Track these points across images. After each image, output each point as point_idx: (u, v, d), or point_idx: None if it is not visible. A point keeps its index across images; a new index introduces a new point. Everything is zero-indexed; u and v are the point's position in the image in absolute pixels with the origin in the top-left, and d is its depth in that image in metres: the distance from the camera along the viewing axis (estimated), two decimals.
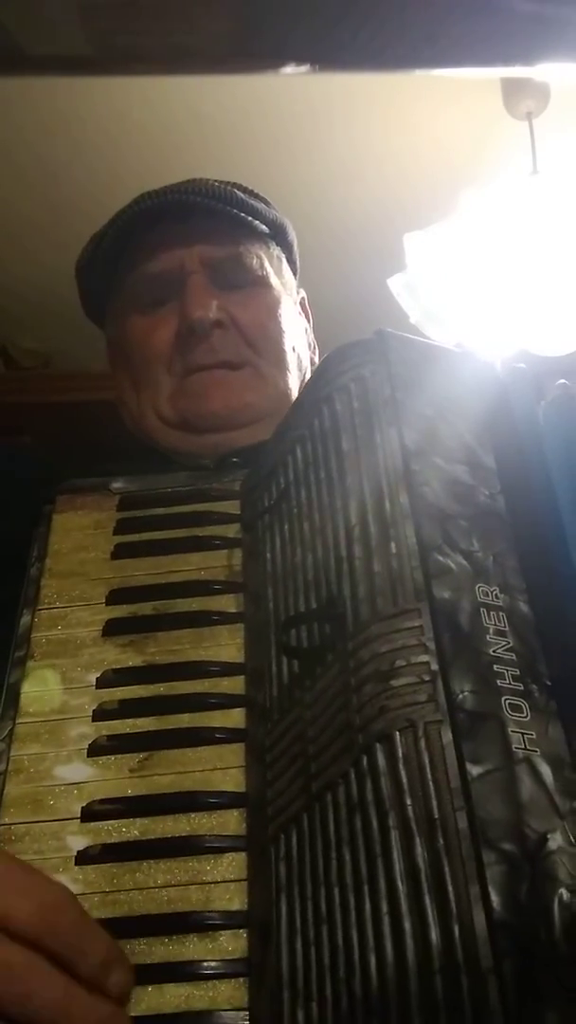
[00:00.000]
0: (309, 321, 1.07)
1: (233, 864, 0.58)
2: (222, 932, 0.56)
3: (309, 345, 1.05)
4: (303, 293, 1.08)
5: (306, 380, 1.00)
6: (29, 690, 0.68)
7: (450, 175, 2.06)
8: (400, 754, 0.48)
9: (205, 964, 0.55)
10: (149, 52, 0.45)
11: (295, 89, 1.88)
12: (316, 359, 1.05)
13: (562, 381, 0.71)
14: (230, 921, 0.56)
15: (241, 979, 0.54)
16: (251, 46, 0.45)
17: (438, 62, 0.44)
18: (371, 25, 0.42)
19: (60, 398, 2.33)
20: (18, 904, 0.49)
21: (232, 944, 0.55)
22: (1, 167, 2.06)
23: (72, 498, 0.79)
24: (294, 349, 0.98)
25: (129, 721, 0.65)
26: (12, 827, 0.61)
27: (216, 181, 0.98)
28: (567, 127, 1.95)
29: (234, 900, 0.57)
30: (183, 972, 0.55)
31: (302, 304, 1.07)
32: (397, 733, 0.49)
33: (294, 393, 0.97)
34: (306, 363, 1.01)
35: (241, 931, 0.56)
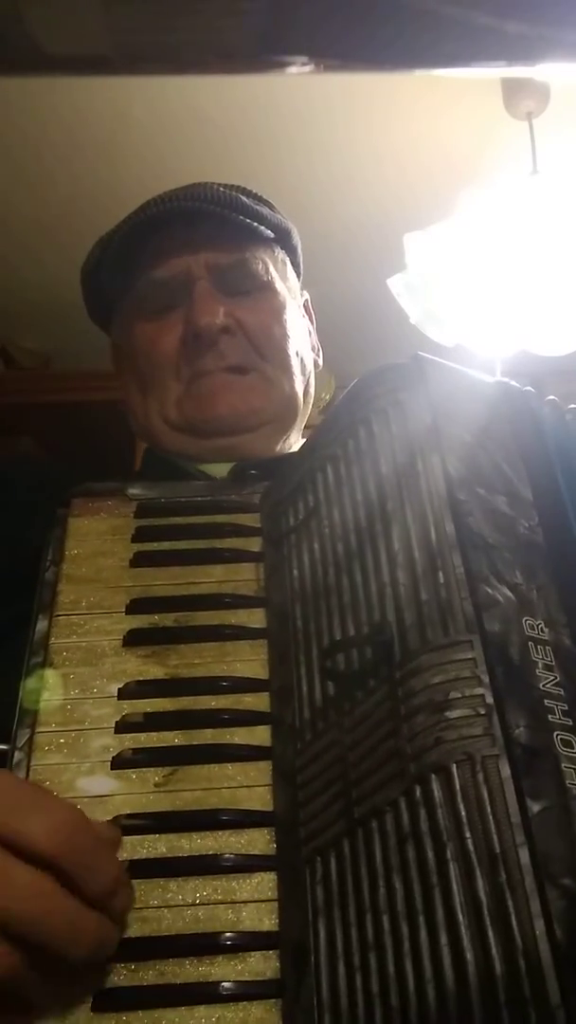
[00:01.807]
0: (312, 323, 1.08)
1: (262, 884, 0.58)
2: (252, 953, 0.56)
3: (313, 348, 1.05)
4: (307, 295, 1.08)
5: (310, 386, 1.01)
6: (48, 698, 0.67)
7: (450, 175, 2.07)
8: (458, 786, 0.49)
9: (235, 985, 0.55)
10: (171, 51, 0.45)
11: (295, 89, 1.87)
12: (320, 362, 1.06)
13: (574, 406, 0.73)
14: (261, 942, 0.56)
15: (273, 1000, 0.54)
16: (261, 46, 0.45)
17: (438, 62, 0.45)
18: (371, 25, 0.42)
19: (60, 398, 2.32)
20: (34, 823, 0.50)
21: (263, 965, 0.55)
22: (1, 167, 2.03)
23: (88, 502, 0.78)
24: (298, 353, 0.98)
25: (153, 734, 0.65)
26: None
27: (221, 186, 0.98)
28: (567, 127, 1.97)
29: (264, 921, 0.57)
30: (213, 993, 0.55)
31: (306, 307, 1.07)
32: (454, 765, 0.50)
33: (300, 398, 0.97)
34: (310, 367, 1.01)
35: (272, 952, 0.56)
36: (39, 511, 0.79)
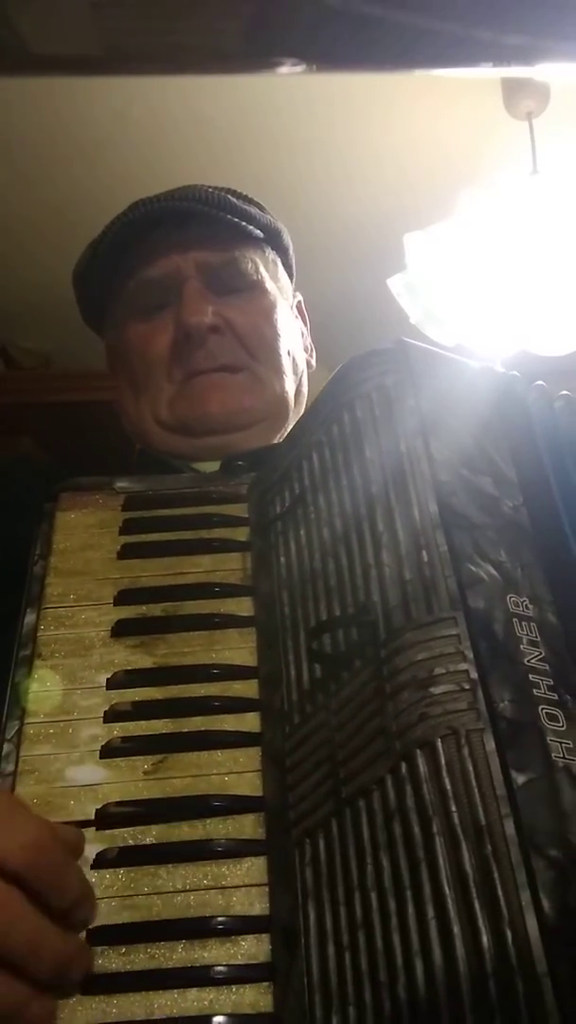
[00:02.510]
0: (306, 324, 1.08)
1: (252, 868, 0.58)
2: (244, 936, 0.56)
3: (306, 348, 1.05)
4: (300, 296, 1.08)
5: (303, 386, 1.01)
6: (37, 690, 0.67)
7: (450, 175, 2.07)
8: (443, 761, 0.49)
9: (227, 968, 0.55)
10: (159, 51, 0.45)
11: (295, 89, 1.88)
12: (313, 362, 1.06)
13: (564, 392, 0.73)
14: (252, 926, 0.56)
15: (265, 983, 0.54)
16: (258, 45, 0.45)
17: (438, 62, 0.45)
18: (371, 25, 0.42)
19: (60, 398, 2.32)
20: (3, 840, 0.50)
21: (255, 949, 0.55)
22: (1, 167, 2.04)
23: (75, 496, 0.78)
24: (290, 353, 0.98)
25: (142, 723, 0.64)
26: None
27: (210, 187, 0.98)
28: (567, 127, 1.97)
29: (255, 905, 0.57)
30: (204, 976, 0.54)
31: (298, 307, 1.07)
32: (439, 740, 0.50)
33: (291, 397, 0.97)
34: (302, 366, 1.02)
35: (263, 935, 0.56)
36: (37, 511, 0.79)
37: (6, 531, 0.83)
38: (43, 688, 0.67)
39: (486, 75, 1.55)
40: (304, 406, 1.00)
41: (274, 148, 2.01)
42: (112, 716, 0.65)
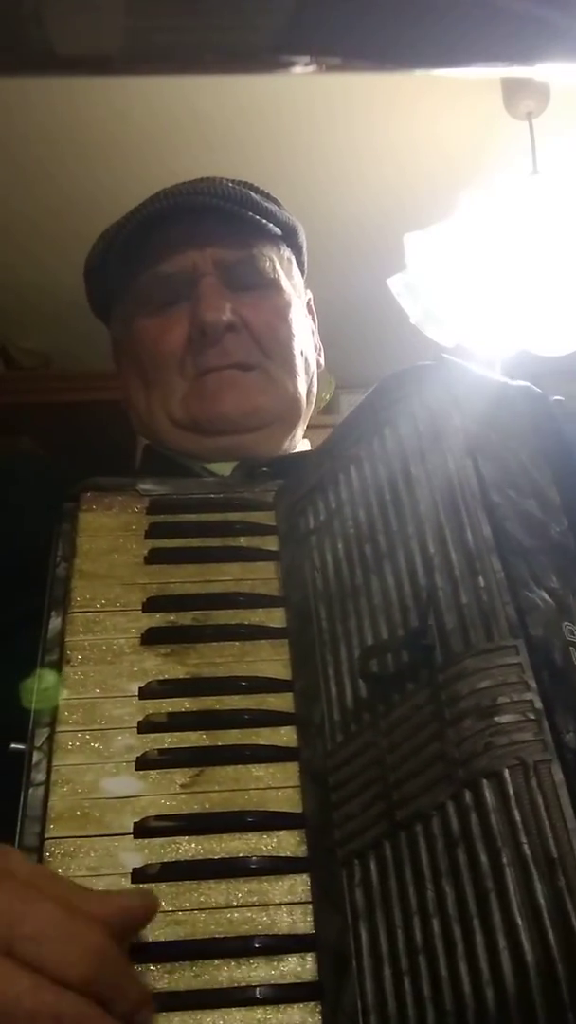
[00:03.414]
0: (315, 322, 1.07)
1: (295, 886, 0.58)
2: (288, 956, 0.56)
3: (316, 348, 1.05)
4: (310, 294, 1.08)
5: (313, 385, 1.00)
6: (67, 697, 0.65)
7: (450, 175, 2.07)
8: (511, 792, 0.49)
9: (273, 988, 0.55)
10: (183, 52, 0.45)
11: (295, 89, 1.86)
12: (322, 362, 1.05)
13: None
14: (296, 944, 0.56)
15: (313, 1003, 0.54)
16: (264, 46, 0.45)
17: (438, 62, 0.45)
18: (371, 24, 0.42)
19: (60, 398, 2.31)
20: (67, 951, 0.48)
21: (300, 968, 0.55)
22: (1, 167, 2.00)
23: (98, 497, 0.77)
24: (303, 353, 0.98)
25: (177, 735, 0.64)
26: (62, 841, 0.59)
27: (230, 181, 0.97)
28: (567, 127, 1.98)
29: (299, 923, 0.57)
30: (251, 996, 0.54)
31: (308, 306, 1.07)
32: (506, 770, 0.50)
33: (303, 397, 0.97)
34: (313, 367, 1.01)
35: (308, 955, 0.56)
36: (42, 508, 0.77)
37: (12, 529, 0.82)
38: (73, 695, 0.66)
39: (486, 75, 1.56)
40: (314, 406, 1.00)
41: (274, 148, 2.00)
42: (147, 727, 0.64)
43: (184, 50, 0.44)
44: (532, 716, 0.52)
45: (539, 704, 0.52)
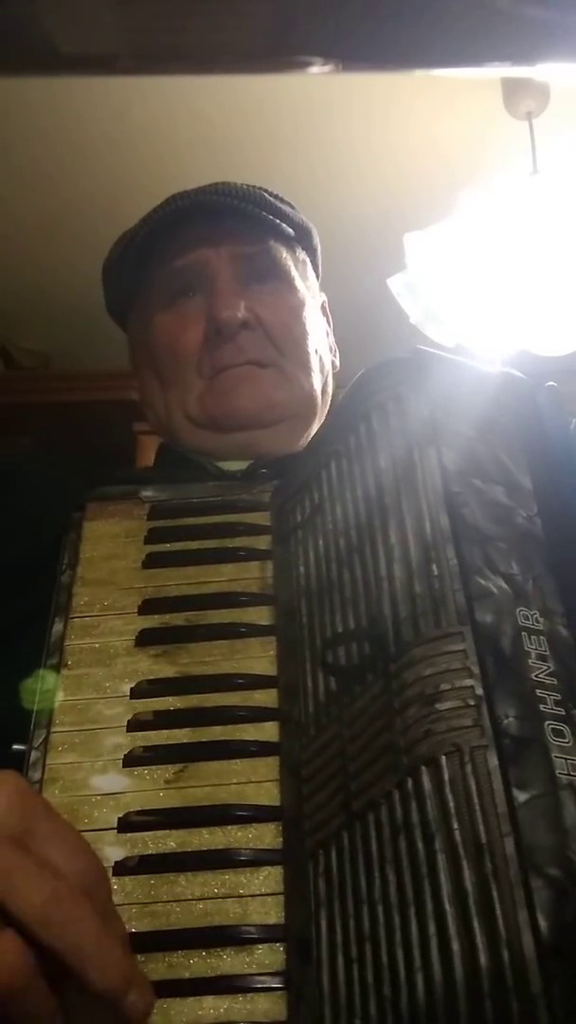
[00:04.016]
0: (330, 324, 1.08)
1: (269, 878, 0.59)
2: (259, 946, 0.57)
3: (331, 348, 1.05)
4: (324, 297, 1.08)
5: (328, 385, 1.01)
6: (63, 699, 0.68)
7: (450, 175, 2.06)
8: (446, 778, 0.49)
9: (243, 978, 0.56)
10: (183, 52, 0.46)
11: (295, 90, 1.88)
12: (338, 363, 1.06)
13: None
14: (267, 935, 0.57)
15: (279, 993, 0.55)
16: (266, 46, 0.46)
17: (438, 62, 0.45)
18: (371, 24, 0.42)
19: (60, 398, 2.33)
20: (76, 859, 0.47)
21: (269, 958, 0.56)
22: (1, 168, 2.06)
23: (102, 505, 0.79)
24: (317, 351, 0.99)
25: (164, 732, 0.66)
26: None
27: (244, 184, 0.98)
28: (567, 127, 1.96)
29: (271, 914, 0.58)
30: (221, 985, 0.56)
31: (324, 308, 1.08)
32: (443, 757, 0.50)
33: (318, 395, 0.97)
34: (328, 366, 1.02)
35: (278, 945, 0.56)
36: (47, 508, 0.80)
37: (16, 529, 0.85)
38: (69, 697, 0.68)
39: (486, 75, 1.54)
40: (330, 406, 1.01)
41: (274, 148, 2.01)
42: (135, 725, 0.66)
43: (184, 50, 0.46)
44: (472, 702, 0.51)
45: (479, 690, 0.51)
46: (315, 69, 0.46)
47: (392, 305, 1.90)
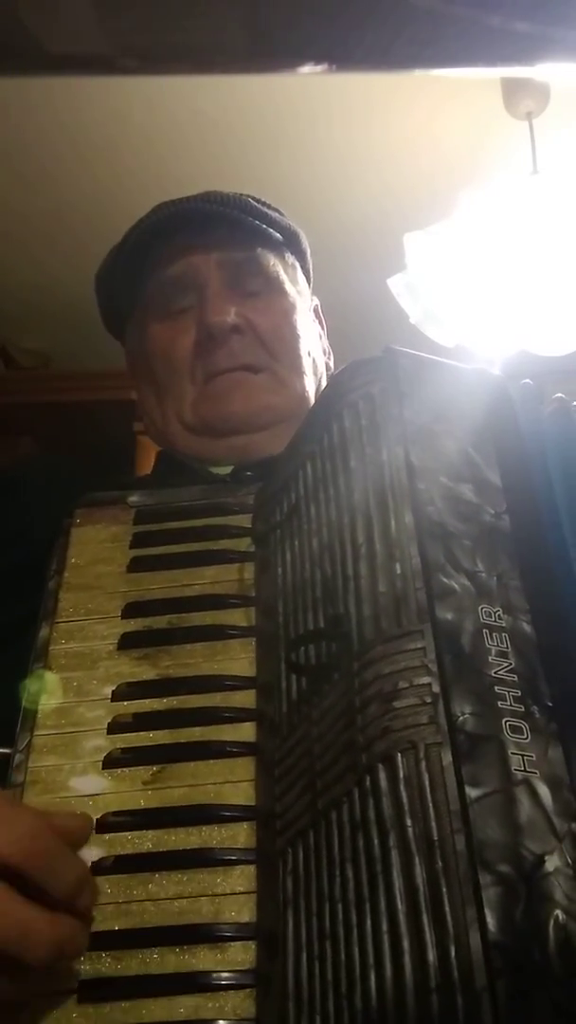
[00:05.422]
0: (323, 328, 1.08)
1: (243, 877, 0.60)
2: (232, 944, 0.57)
3: (324, 351, 1.06)
4: (316, 300, 1.09)
5: (322, 387, 1.02)
6: (46, 702, 0.69)
7: (450, 175, 2.06)
8: (401, 775, 0.49)
9: (215, 975, 0.56)
10: (173, 51, 0.46)
11: (294, 89, 1.88)
12: (332, 365, 1.06)
13: (559, 395, 0.72)
14: (240, 933, 0.57)
15: (249, 990, 0.55)
16: (264, 46, 0.46)
17: (438, 62, 0.45)
18: (371, 24, 0.42)
19: (60, 398, 2.34)
20: None
21: (241, 955, 0.57)
22: (1, 168, 2.07)
23: (91, 512, 0.80)
24: (310, 354, 0.99)
25: (143, 734, 0.66)
26: None
27: (231, 192, 0.99)
28: (567, 127, 1.96)
29: (243, 912, 0.58)
30: (193, 983, 0.56)
31: (316, 311, 1.08)
32: (399, 754, 0.50)
33: (311, 398, 0.98)
34: (321, 369, 1.02)
35: (250, 943, 0.57)
36: (49, 513, 0.81)
37: (20, 533, 0.86)
38: (52, 700, 0.69)
39: (486, 75, 1.53)
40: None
41: (274, 149, 2.01)
42: (115, 727, 0.67)
43: (182, 50, 0.46)
44: (428, 700, 0.51)
45: (436, 688, 0.52)
46: (312, 69, 0.47)
47: (392, 305, 1.90)
